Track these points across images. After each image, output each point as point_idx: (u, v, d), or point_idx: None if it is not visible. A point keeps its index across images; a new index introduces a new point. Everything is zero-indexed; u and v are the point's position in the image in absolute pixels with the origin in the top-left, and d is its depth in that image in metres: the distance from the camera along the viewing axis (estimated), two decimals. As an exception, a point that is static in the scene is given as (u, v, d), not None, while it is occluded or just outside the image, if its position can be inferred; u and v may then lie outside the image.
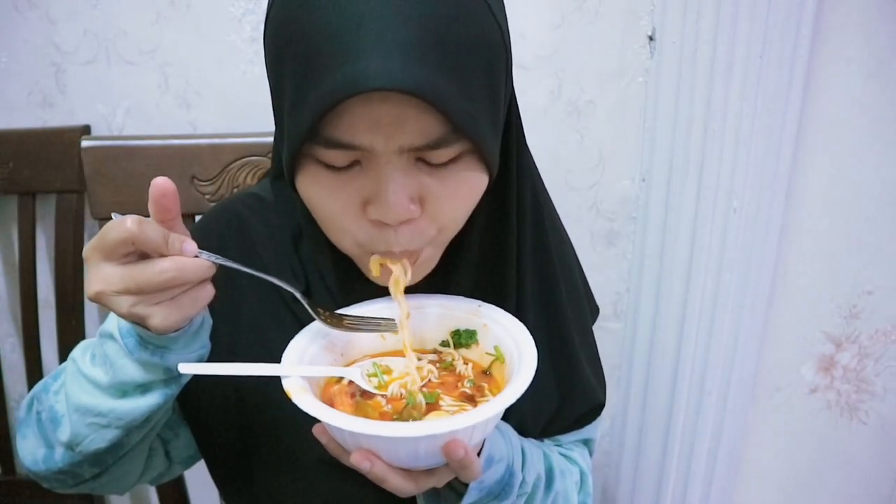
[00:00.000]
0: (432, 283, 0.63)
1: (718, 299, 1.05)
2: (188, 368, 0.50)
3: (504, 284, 0.65)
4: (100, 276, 0.47)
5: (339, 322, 0.58)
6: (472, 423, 0.48)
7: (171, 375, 0.55)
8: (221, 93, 1.11)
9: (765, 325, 1.12)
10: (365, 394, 0.57)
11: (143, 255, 0.48)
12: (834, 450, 1.16)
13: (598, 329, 1.17)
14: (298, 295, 0.56)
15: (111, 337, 0.53)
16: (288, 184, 0.56)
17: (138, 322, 0.50)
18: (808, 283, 1.09)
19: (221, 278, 0.52)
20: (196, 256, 0.49)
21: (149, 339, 0.51)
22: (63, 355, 1.16)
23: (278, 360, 0.55)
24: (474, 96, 0.49)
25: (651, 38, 1.02)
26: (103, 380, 0.54)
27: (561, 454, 0.73)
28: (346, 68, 0.45)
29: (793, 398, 1.16)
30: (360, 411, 0.54)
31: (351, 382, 0.57)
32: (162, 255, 0.47)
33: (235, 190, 0.94)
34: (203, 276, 0.49)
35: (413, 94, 0.45)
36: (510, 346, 0.58)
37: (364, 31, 0.45)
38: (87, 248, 0.48)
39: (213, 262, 0.50)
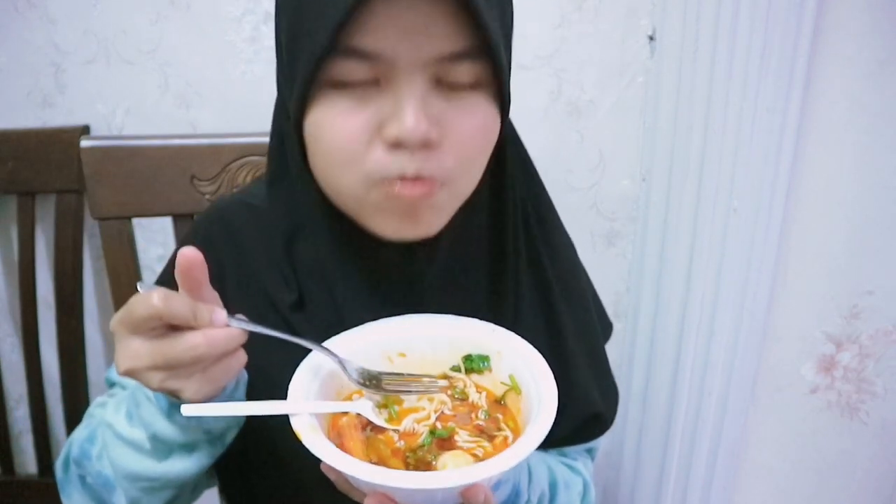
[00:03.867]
0: (445, 279, 0.62)
1: (718, 299, 1.05)
2: (192, 410, 0.48)
3: (503, 287, 0.64)
4: (129, 352, 0.46)
5: (378, 385, 0.55)
6: (495, 472, 0.46)
7: (213, 436, 0.54)
8: (221, 93, 1.11)
9: (765, 325, 1.11)
10: (375, 427, 0.54)
11: (171, 326, 0.47)
12: (834, 450, 1.16)
13: (598, 329, 1.18)
14: (346, 367, 0.54)
15: (147, 398, 0.52)
16: (293, 126, 0.54)
17: (170, 395, 0.49)
18: (808, 283, 1.09)
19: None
20: (227, 325, 0.47)
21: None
22: (63, 355, 1.16)
23: (272, 377, 0.53)
24: (494, 14, 0.49)
25: (651, 38, 1.02)
26: (146, 443, 0.53)
27: (564, 464, 0.73)
28: None
29: (793, 398, 1.16)
30: (371, 447, 0.52)
31: (359, 414, 0.54)
32: (191, 327, 0.46)
33: (235, 190, 0.94)
34: (234, 345, 0.48)
35: None
36: (526, 376, 0.56)
37: None
38: (114, 322, 0.47)
39: (244, 329, 0.49)
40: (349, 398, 0.57)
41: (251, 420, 0.63)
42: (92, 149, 0.91)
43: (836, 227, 1.05)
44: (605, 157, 1.09)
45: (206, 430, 0.53)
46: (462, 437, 0.54)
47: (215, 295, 0.49)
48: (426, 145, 0.50)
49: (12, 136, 1.11)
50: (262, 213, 0.65)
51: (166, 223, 0.97)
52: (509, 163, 0.63)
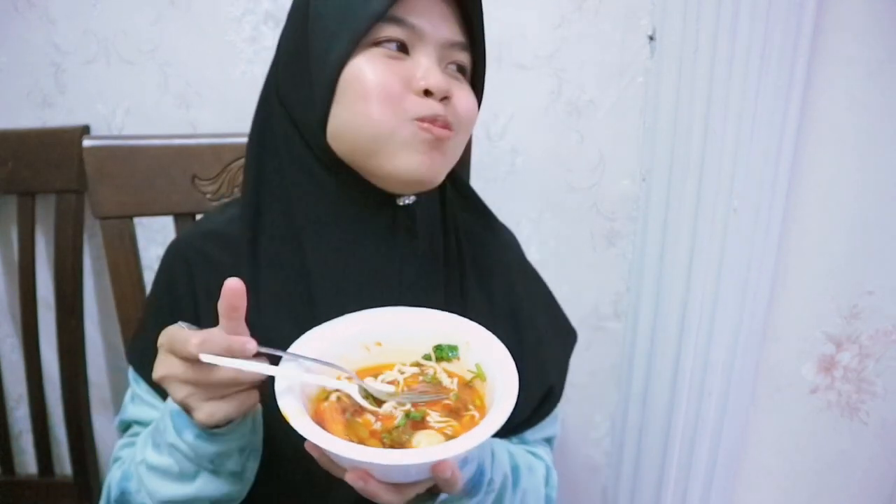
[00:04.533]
0: (419, 261, 0.70)
1: (718, 299, 1.05)
2: (209, 359, 0.53)
3: (451, 273, 0.73)
4: (166, 364, 0.54)
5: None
6: (462, 450, 0.51)
7: (221, 468, 0.60)
8: (221, 93, 1.11)
9: (765, 325, 1.11)
10: (355, 412, 0.58)
11: None
12: (834, 450, 1.16)
13: (598, 329, 1.18)
14: (368, 390, 0.59)
15: (166, 425, 0.59)
16: (327, 81, 0.62)
17: (186, 410, 0.56)
18: (808, 283, 1.09)
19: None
20: (258, 353, 0.53)
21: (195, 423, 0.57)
22: (62, 355, 1.16)
23: None
24: (481, 25, 0.67)
25: (651, 38, 1.02)
26: (174, 467, 0.60)
27: (528, 451, 0.77)
28: None
29: (793, 398, 1.16)
30: (350, 429, 0.56)
31: (340, 399, 0.58)
32: None
33: (236, 189, 0.94)
34: (256, 380, 0.55)
35: None
36: (491, 365, 0.60)
37: None
38: (162, 338, 0.55)
39: (272, 354, 0.55)
40: (347, 376, 0.61)
41: None
42: (94, 148, 0.91)
43: (836, 227, 1.05)
44: (605, 157, 1.09)
45: (211, 456, 0.59)
46: (434, 417, 0.58)
47: (246, 328, 0.55)
48: (445, 99, 0.63)
49: (12, 136, 1.11)
50: (228, 237, 0.71)
51: (167, 223, 0.97)
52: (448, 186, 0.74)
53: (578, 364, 1.21)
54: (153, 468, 0.62)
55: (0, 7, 1.11)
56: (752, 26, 0.92)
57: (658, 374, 1.12)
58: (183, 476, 0.60)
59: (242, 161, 0.93)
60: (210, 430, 0.57)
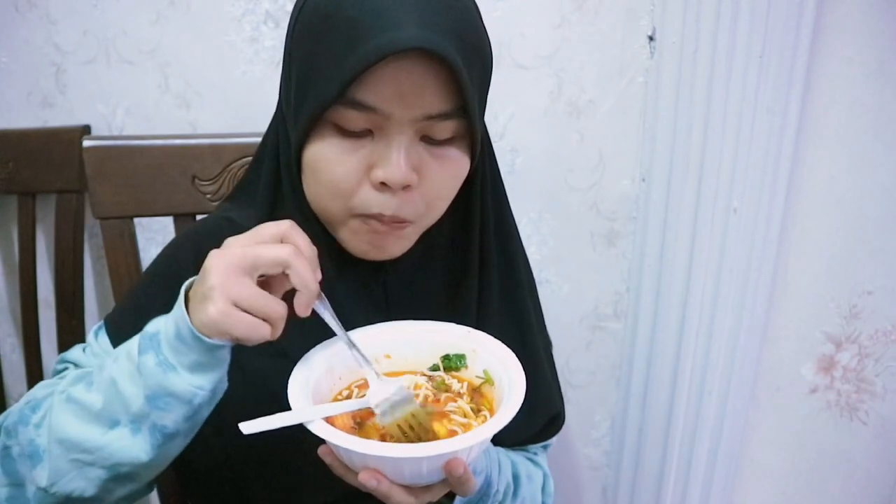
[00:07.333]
0: (408, 282, 0.71)
1: (718, 299, 1.05)
2: (251, 427, 0.52)
3: (467, 287, 0.71)
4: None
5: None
6: (472, 443, 0.52)
7: (160, 419, 0.54)
8: (221, 93, 1.11)
9: (765, 325, 1.12)
10: (365, 418, 0.59)
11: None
12: (834, 450, 1.16)
13: (598, 329, 1.18)
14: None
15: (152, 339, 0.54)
16: (294, 153, 0.61)
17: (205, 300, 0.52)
18: (808, 283, 1.09)
19: None
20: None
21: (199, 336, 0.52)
22: (63, 355, 1.16)
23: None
24: (474, 83, 0.58)
25: (651, 38, 1.02)
26: (97, 405, 0.54)
27: (527, 458, 0.79)
28: (389, 34, 0.52)
29: (793, 398, 1.16)
30: (361, 431, 0.58)
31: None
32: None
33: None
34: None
35: (441, 56, 0.53)
36: (499, 369, 0.62)
37: (405, 10, 0.53)
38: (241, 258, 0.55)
39: (320, 314, 0.57)
40: (348, 392, 0.63)
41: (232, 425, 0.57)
42: (94, 148, 0.91)
43: (835, 227, 1.05)
44: (605, 157, 1.09)
45: (184, 361, 0.53)
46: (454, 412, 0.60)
47: None
48: (406, 188, 0.59)
49: (12, 136, 1.11)
50: (240, 227, 0.67)
51: (167, 223, 0.97)
52: (477, 189, 0.70)
53: (578, 364, 1.21)
54: (73, 400, 0.55)
55: (0, 7, 1.11)
56: (752, 26, 0.92)
57: (658, 374, 1.12)
58: (101, 418, 0.54)
59: (242, 161, 0.94)
60: (204, 336, 0.51)
